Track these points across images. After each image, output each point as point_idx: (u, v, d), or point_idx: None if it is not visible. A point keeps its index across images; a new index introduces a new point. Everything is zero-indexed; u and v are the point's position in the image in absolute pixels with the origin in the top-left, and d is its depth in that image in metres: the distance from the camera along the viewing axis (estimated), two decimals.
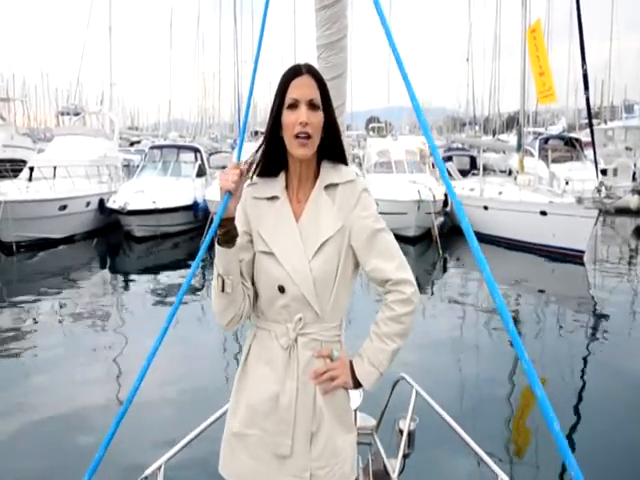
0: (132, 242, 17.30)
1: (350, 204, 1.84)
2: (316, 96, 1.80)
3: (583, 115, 39.94)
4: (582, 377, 7.63)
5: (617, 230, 20.34)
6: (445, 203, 17.74)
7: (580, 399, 6.86)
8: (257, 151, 1.90)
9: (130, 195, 17.60)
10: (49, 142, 23.06)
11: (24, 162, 19.01)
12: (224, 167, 22.67)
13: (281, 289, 1.82)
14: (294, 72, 1.82)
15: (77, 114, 26.45)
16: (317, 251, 1.80)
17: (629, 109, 41.35)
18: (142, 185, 18.58)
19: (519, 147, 19.80)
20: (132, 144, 38.52)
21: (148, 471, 2.22)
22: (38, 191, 16.57)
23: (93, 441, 5.28)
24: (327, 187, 1.86)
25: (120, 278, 14.07)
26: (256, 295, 1.92)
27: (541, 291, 12.37)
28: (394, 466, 2.72)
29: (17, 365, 7.96)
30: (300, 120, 1.76)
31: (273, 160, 1.90)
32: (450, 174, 22.78)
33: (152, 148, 23.18)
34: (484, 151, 22.66)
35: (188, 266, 14.34)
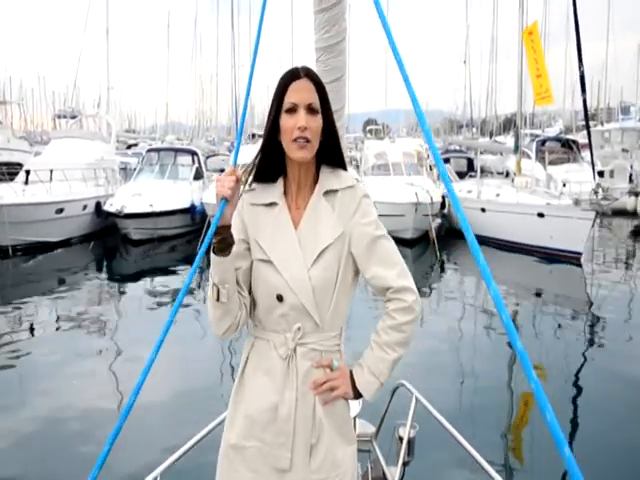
0: (129, 245, 17.24)
1: (350, 210, 1.80)
2: (315, 100, 1.76)
3: (580, 117, 40.07)
4: (579, 377, 7.61)
5: (614, 232, 20.34)
6: (443, 205, 17.74)
7: (578, 400, 6.85)
8: (256, 157, 1.86)
9: (127, 198, 17.55)
10: (46, 145, 23.02)
11: (21, 165, 18.94)
12: (222, 170, 22.66)
13: (279, 298, 1.77)
14: (292, 75, 1.77)
15: (74, 117, 26.38)
16: (316, 259, 1.76)
17: (625, 111, 41.42)
18: (139, 188, 18.54)
19: (516, 149, 19.82)
20: (129, 147, 38.48)
21: None
22: (35, 194, 16.48)
23: (91, 446, 5.26)
24: (326, 193, 1.82)
25: (117, 281, 14.01)
26: (253, 304, 1.87)
27: (539, 292, 12.36)
28: (394, 474, 2.69)
29: (14, 369, 7.90)
30: (299, 125, 1.72)
31: (271, 165, 1.85)
32: None
33: (149, 151, 23.08)
34: (481, 153, 22.68)
35: (185, 269, 14.36)
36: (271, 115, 1.79)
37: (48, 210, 16.51)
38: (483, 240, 16.45)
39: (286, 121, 1.75)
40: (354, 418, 2.68)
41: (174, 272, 14.35)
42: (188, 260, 15.32)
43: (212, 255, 1.73)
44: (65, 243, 17.08)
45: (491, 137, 36.37)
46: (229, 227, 1.74)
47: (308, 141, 1.74)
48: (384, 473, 2.75)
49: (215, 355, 7.79)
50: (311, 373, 1.79)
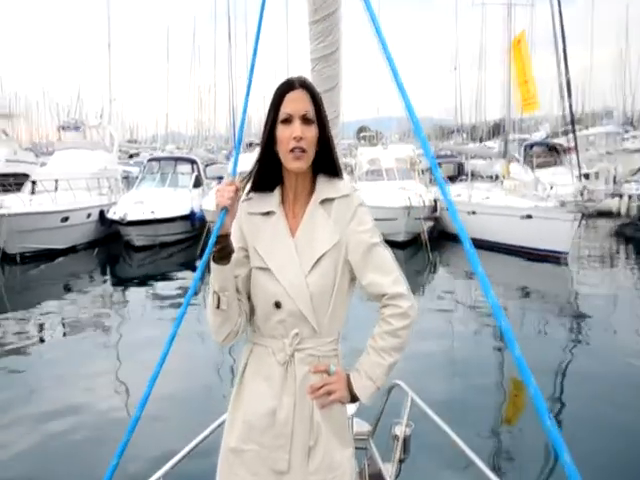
0: (132, 251, 17.20)
1: (346, 218, 1.76)
2: (310, 110, 1.73)
3: (565, 121, 40.13)
4: (566, 369, 7.68)
5: (599, 232, 20.36)
6: (434, 209, 17.75)
7: (564, 392, 6.84)
8: (254, 167, 1.84)
9: (129, 206, 17.54)
10: (51, 156, 22.97)
11: (27, 176, 18.93)
12: (220, 177, 22.69)
13: (277, 305, 1.74)
14: (288, 86, 1.74)
15: (77, 128, 26.37)
16: (313, 266, 1.73)
17: (609, 115, 41.56)
18: (141, 196, 18.52)
19: (505, 153, 19.88)
20: (131, 156, 38.41)
21: None
22: (41, 204, 16.50)
23: (98, 446, 5.23)
24: (323, 202, 1.79)
25: (120, 286, 13.98)
26: (252, 311, 1.84)
27: (527, 291, 12.36)
28: (390, 471, 2.66)
29: (23, 372, 7.86)
30: (294, 135, 1.69)
31: (268, 175, 1.82)
32: None
33: (150, 160, 23.10)
34: (471, 158, 22.71)
35: (185, 274, 14.33)
36: (267, 125, 1.76)
37: (54, 219, 16.49)
38: (473, 242, 16.40)
39: (282, 131, 1.72)
40: (351, 417, 2.66)
41: (175, 276, 14.30)
42: (188, 265, 15.37)
43: (212, 264, 1.70)
44: (70, 250, 17.05)
45: (480, 142, 36.52)
46: (228, 236, 1.72)
47: (304, 151, 1.71)
48: (380, 470, 2.73)
49: (215, 359, 7.73)
50: (309, 378, 1.76)
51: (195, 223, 18.41)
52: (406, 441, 2.71)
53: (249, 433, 1.77)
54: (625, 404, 6.31)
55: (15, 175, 19.55)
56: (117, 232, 17.87)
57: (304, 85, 1.76)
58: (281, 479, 1.74)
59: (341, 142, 2.40)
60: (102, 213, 18.40)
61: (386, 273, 1.75)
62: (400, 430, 2.71)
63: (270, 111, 1.76)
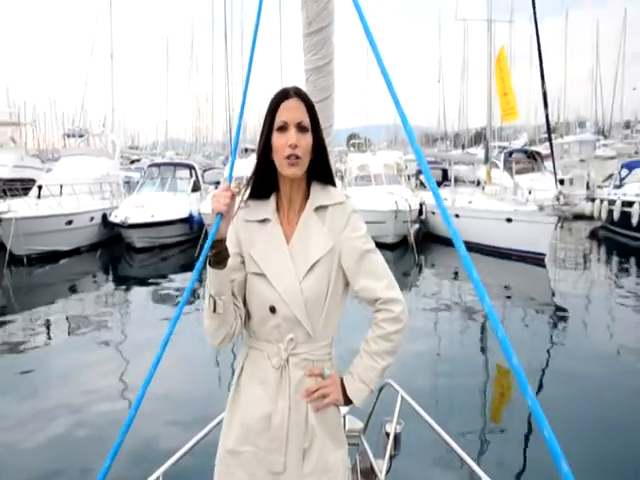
0: (133, 253, 17.11)
1: (340, 225, 1.72)
2: (305, 119, 1.68)
3: (542, 130, 40.37)
4: (546, 362, 7.67)
5: (574, 234, 20.44)
6: (420, 212, 17.75)
7: (544, 384, 6.81)
8: (251, 178, 1.79)
9: (131, 210, 17.47)
10: (56, 162, 22.85)
11: (33, 181, 18.80)
12: (217, 182, 22.64)
13: (272, 310, 1.69)
14: (283, 95, 1.70)
15: (81, 136, 26.28)
16: (308, 272, 1.68)
17: (582, 125, 41.86)
18: (142, 200, 18.44)
19: (486, 160, 19.89)
20: (132, 162, 38.24)
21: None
22: (46, 208, 16.40)
23: (99, 445, 5.14)
24: (317, 209, 1.74)
25: (122, 286, 13.88)
26: (248, 315, 1.79)
27: (507, 289, 12.34)
28: (381, 467, 2.62)
29: (28, 369, 7.75)
30: (290, 143, 1.65)
31: (264, 182, 1.78)
32: (424, 185, 22.80)
33: (150, 166, 22.98)
34: (455, 164, 22.69)
35: (184, 274, 14.28)
36: (263, 134, 1.72)
37: (59, 222, 16.40)
38: None
39: (278, 139, 1.67)
40: (344, 415, 2.61)
41: (174, 276, 14.25)
42: (187, 265, 15.29)
43: (209, 268, 1.65)
44: (74, 252, 16.94)
45: (463, 149, 36.64)
46: (224, 241, 1.66)
47: (298, 158, 1.66)
48: (372, 465, 2.69)
49: (213, 359, 7.61)
50: (303, 382, 1.71)
51: (193, 226, 18.33)
52: (397, 438, 2.67)
53: (246, 435, 1.73)
54: (602, 398, 6.30)
55: (22, 180, 19.43)
56: (119, 234, 17.77)
57: (299, 94, 1.72)
58: None
59: (333, 149, 2.35)
60: (105, 216, 18.29)
61: (379, 278, 1.71)
62: (391, 427, 2.67)
63: (266, 119, 1.71)
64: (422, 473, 4.51)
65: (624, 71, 44.28)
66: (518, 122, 32.45)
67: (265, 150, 1.72)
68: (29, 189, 18.13)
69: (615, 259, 16.76)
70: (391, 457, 2.64)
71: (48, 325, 10.13)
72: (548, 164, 20.87)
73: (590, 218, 21.35)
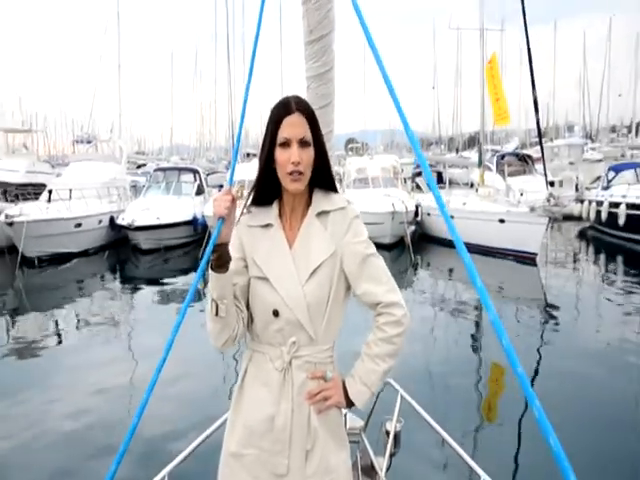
0: (139, 254, 17.07)
1: (342, 230, 1.68)
2: (307, 133, 1.64)
3: (533, 134, 40.38)
4: (538, 357, 7.62)
5: (564, 234, 20.42)
6: (416, 214, 17.71)
7: (536, 379, 6.77)
8: (254, 186, 1.75)
9: (137, 212, 17.44)
10: (66, 167, 22.83)
11: (44, 186, 18.79)
12: (220, 186, 22.58)
13: (275, 313, 1.65)
14: (285, 110, 1.64)
15: (90, 142, 26.27)
16: (310, 276, 1.64)
17: (570, 129, 41.87)
18: (147, 203, 18.39)
19: (480, 163, 19.85)
20: (139, 167, 38.20)
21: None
22: (56, 211, 16.38)
23: (107, 440, 5.11)
24: (319, 214, 1.70)
25: (129, 286, 13.85)
26: (251, 319, 1.74)
27: (500, 287, 12.30)
28: (381, 464, 2.58)
29: (39, 366, 7.72)
30: (292, 160, 1.60)
31: (267, 190, 1.74)
32: (419, 187, 22.77)
33: (156, 170, 22.98)
34: (449, 167, 22.67)
35: (189, 274, 14.27)
36: (265, 147, 1.67)
37: (68, 225, 16.38)
38: (452, 244, 16.37)
39: (280, 154, 1.63)
40: (345, 414, 2.57)
41: (179, 276, 14.23)
42: (191, 266, 15.29)
43: (211, 272, 1.60)
44: (83, 254, 16.89)
45: (457, 153, 36.56)
46: (226, 245, 1.62)
47: (301, 173, 1.63)
48: (372, 463, 2.65)
49: (216, 360, 7.46)
50: (306, 384, 1.67)
51: (197, 228, 18.27)
52: (397, 436, 2.63)
53: (249, 438, 1.68)
54: (593, 392, 6.28)
55: (33, 185, 19.44)
56: (126, 237, 17.72)
57: (300, 108, 1.66)
58: None
59: (332, 154, 2.31)
60: (112, 219, 18.27)
61: (380, 282, 1.67)
62: (391, 426, 2.63)
63: (267, 134, 1.66)
64: (421, 471, 4.46)
65: (610, 78, 44.26)
66: (509, 126, 32.41)
67: (267, 162, 1.68)
68: (40, 193, 18.13)
69: (603, 258, 16.77)
70: (391, 455, 2.60)
71: (58, 324, 10.10)
72: (539, 167, 20.86)
73: (579, 219, 21.33)
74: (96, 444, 5.12)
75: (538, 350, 7.98)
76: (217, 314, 1.62)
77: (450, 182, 20.45)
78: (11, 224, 14.82)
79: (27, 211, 15.39)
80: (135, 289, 13.41)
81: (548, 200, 14.10)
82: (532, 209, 14.39)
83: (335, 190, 1.76)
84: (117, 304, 11.77)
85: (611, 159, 28.50)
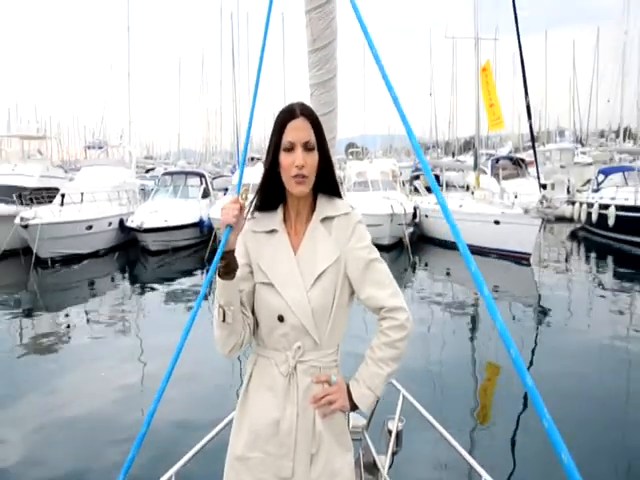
0: (148, 255, 17.04)
1: (346, 236, 1.63)
2: (311, 138, 1.59)
3: (526, 139, 40.31)
4: (531, 353, 7.63)
5: (556, 235, 20.40)
6: (414, 215, 17.66)
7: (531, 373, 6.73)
8: (258, 190, 1.70)
9: (146, 215, 17.39)
10: (78, 172, 22.83)
11: (57, 190, 18.76)
12: (226, 189, 22.55)
13: (280, 319, 1.60)
14: (289, 115, 1.59)
15: (101, 148, 26.28)
16: (315, 281, 1.59)
17: (561, 134, 41.79)
18: (156, 206, 18.36)
19: (475, 166, 19.79)
20: (147, 171, 38.24)
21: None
22: (69, 214, 16.36)
23: (116, 436, 5.06)
24: (323, 220, 1.65)
25: (138, 286, 13.83)
26: (256, 324, 1.69)
27: (496, 286, 12.25)
28: (383, 463, 2.53)
29: (52, 363, 7.71)
30: (296, 163, 1.56)
31: (272, 195, 1.68)
32: (417, 190, 22.71)
33: (164, 174, 22.95)
34: (446, 170, 22.60)
35: (195, 274, 14.26)
36: (270, 151, 1.62)
37: (80, 227, 16.37)
38: (449, 244, 16.44)
39: (285, 158, 1.58)
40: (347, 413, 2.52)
41: (186, 276, 14.20)
42: (197, 266, 15.32)
43: (218, 279, 1.55)
44: (94, 255, 16.87)
45: (453, 157, 36.45)
46: (233, 252, 1.57)
47: (305, 177, 1.58)
48: (374, 460, 2.61)
49: (222, 365, 7.20)
50: (311, 388, 1.62)
51: (204, 230, 18.21)
52: (399, 435, 2.59)
53: (255, 441, 1.63)
54: (585, 384, 6.28)
55: (47, 189, 19.39)
56: (135, 238, 17.70)
57: (305, 113, 1.61)
58: None
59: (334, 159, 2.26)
60: (122, 222, 18.22)
61: (384, 287, 1.62)
62: (393, 425, 2.58)
63: (272, 138, 1.62)
64: (423, 469, 4.40)
65: (598, 85, 44.19)
66: (503, 131, 32.32)
67: (272, 167, 1.63)
68: (53, 197, 18.09)
69: (593, 257, 16.77)
70: (393, 453, 2.56)
71: (70, 322, 10.08)
72: (532, 170, 20.80)
73: (570, 220, 21.29)
74: (107, 443, 5.08)
75: (532, 343, 8.04)
76: (224, 320, 1.58)
77: (447, 185, 20.43)
78: (26, 227, 14.84)
79: (41, 214, 15.41)
80: (144, 289, 13.38)
81: (541, 202, 14.07)
82: (526, 211, 14.35)
83: (339, 195, 1.71)
84: (127, 303, 11.75)
85: (600, 163, 28.45)
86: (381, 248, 15.00)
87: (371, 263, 1.62)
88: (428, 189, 22.68)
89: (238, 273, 1.57)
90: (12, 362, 7.74)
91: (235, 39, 31.64)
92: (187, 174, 22.61)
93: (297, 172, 1.56)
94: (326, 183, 1.68)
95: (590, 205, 19.68)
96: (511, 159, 25.11)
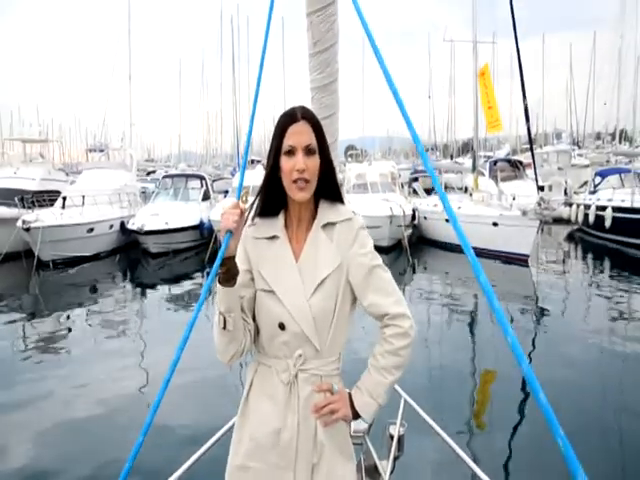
0: (149, 257, 17.00)
1: (348, 242, 1.58)
2: (312, 141, 1.54)
3: (523, 141, 40.32)
4: (529, 358, 7.48)
5: (554, 236, 20.37)
6: (413, 217, 17.62)
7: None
8: (258, 194, 1.65)
9: (146, 218, 17.37)
10: (79, 175, 22.80)
11: (59, 193, 18.72)
12: (226, 191, 22.51)
13: (281, 326, 1.56)
14: (290, 118, 1.55)
15: (102, 151, 26.22)
16: (316, 289, 1.55)
17: (558, 136, 41.76)
18: (156, 209, 18.33)
19: (473, 168, 19.76)
20: (148, 174, 38.17)
21: None
22: (70, 217, 16.32)
23: (116, 441, 5.01)
24: (325, 226, 1.61)
25: (139, 288, 13.79)
26: (257, 331, 1.65)
27: (495, 287, 12.15)
28: (385, 468, 2.49)
29: (53, 365, 7.65)
30: (297, 167, 1.51)
31: (273, 200, 1.64)
32: (416, 192, 22.66)
33: (164, 177, 22.94)
34: (444, 172, 22.56)
35: (196, 276, 14.19)
36: (271, 155, 1.58)
37: (81, 230, 16.33)
38: (448, 246, 16.43)
39: (286, 163, 1.53)
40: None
41: (187, 278, 14.15)
42: (198, 268, 15.28)
43: (218, 286, 1.51)
44: (95, 257, 16.84)
45: (452, 158, 36.40)
46: (233, 258, 1.52)
47: (307, 181, 1.53)
48: (376, 465, 2.57)
49: (223, 371, 7.08)
50: (312, 397, 1.57)
51: (204, 232, 18.18)
52: (400, 440, 2.55)
53: (255, 451, 1.58)
54: (582, 386, 6.25)
55: (49, 192, 19.35)
56: (136, 241, 17.67)
57: (306, 116, 1.57)
58: None
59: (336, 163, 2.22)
60: (123, 224, 18.18)
61: (387, 294, 1.57)
62: (395, 430, 2.54)
63: (273, 142, 1.57)
64: (425, 474, 4.35)
65: (595, 88, 44.21)
66: (501, 133, 32.32)
67: (273, 171, 1.59)
68: (55, 200, 18.05)
69: (590, 259, 16.75)
70: (395, 458, 2.52)
71: (72, 324, 10.04)
72: (529, 172, 20.78)
73: (568, 221, 21.29)
74: (106, 447, 5.02)
75: (530, 341, 8.04)
76: (225, 327, 1.53)
77: (445, 187, 20.38)
78: (28, 229, 14.81)
79: (43, 217, 15.39)
80: (145, 291, 13.35)
81: (539, 204, 14.03)
82: (524, 213, 14.32)
83: (341, 200, 1.66)
84: (128, 305, 11.70)
85: (597, 165, 28.44)
86: (380, 250, 14.79)
87: (374, 270, 1.58)
88: (427, 191, 22.65)
89: (239, 279, 1.53)
90: (14, 364, 7.69)
91: (235, 43, 31.71)
92: (188, 177, 22.60)
93: (298, 176, 1.52)
94: (328, 188, 1.63)
95: (587, 207, 19.67)
96: (509, 161, 25.08)
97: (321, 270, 1.56)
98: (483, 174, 20.72)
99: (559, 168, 29.16)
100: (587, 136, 48.87)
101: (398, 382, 2.57)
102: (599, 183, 20.68)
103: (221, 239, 1.51)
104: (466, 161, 26.55)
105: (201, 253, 16.68)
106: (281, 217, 1.65)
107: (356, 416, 1.59)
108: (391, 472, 2.47)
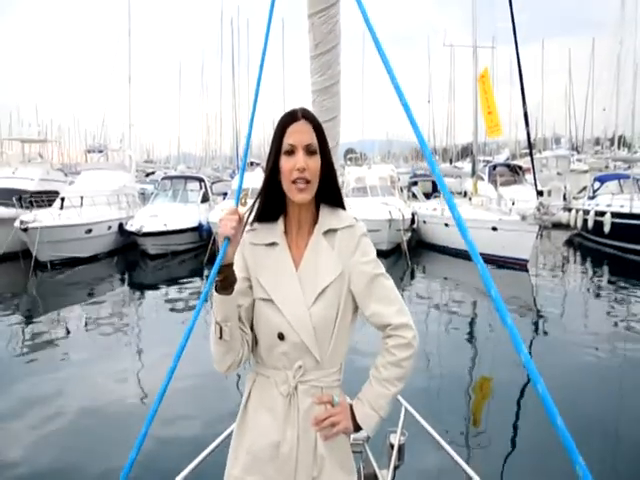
0: (147, 259, 16.93)
1: (349, 249, 1.53)
2: (313, 141, 1.49)
3: (522, 146, 40.34)
4: (530, 348, 7.71)
5: (553, 241, 20.35)
6: (412, 221, 17.59)
7: (528, 384, 6.65)
8: (257, 198, 1.60)
9: (145, 219, 17.32)
10: (78, 175, 22.76)
11: (57, 193, 18.68)
12: (225, 193, 22.47)
13: (281, 336, 1.50)
14: (291, 118, 1.50)
15: (101, 151, 26.20)
16: (317, 298, 1.49)
17: (557, 141, 41.81)
18: (155, 210, 18.27)
19: (473, 173, 19.75)
20: (147, 175, 38.13)
21: None
22: (68, 218, 16.27)
23: (115, 436, 4.96)
24: (326, 232, 1.55)
25: (137, 290, 13.73)
26: (255, 341, 1.59)
27: None
28: (385, 477, 2.44)
29: (51, 366, 7.59)
30: (297, 166, 1.45)
31: (272, 205, 1.58)
32: (416, 196, 22.64)
33: (163, 179, 22.93)
34: (443, 176, 22.52)
35: (194, 279, 14.15)
36: (271, 157, 1.52)
37: (79, 231, 16.26)
38: (447, 250, 16.39)
39: (286, 162, 1.48)
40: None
41: (185, 280, 14.08)
42: (197, 270, 15.24)
43: (215, 294, 1.45)
44: (93, 258, 16.78)
45: (451, 163, 36.47)
46: (231, 265, 1.46)
47: (308, 182, 1.47)
48: (375, 474, 2.52)
49: (220, 379, 6.98)
50: (312, 409, 1.51)
51: (203, 234, 18.12)
52: (401, 449, 2.50)
53: (253, 464, 1.53)
54: (581, 389, 6.23)
55: (47, 192, 19.31)
56: (134, 242, 17.59)
57: (307, 116, 1.52)
58: None
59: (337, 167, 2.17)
60: (121, 225, 18.13)
61: (389, 303, 1.51)
62: (395, 438, 2.49)
63: (273, 143, 1.51)
64: None
65: (594, 93, 44.30)
66: (501, 138, 32.32)
67: (273, 173, 1.53)
68: (53, 200, 18.00)
69: (589, 264, 16.75)
70: (395, 468, 2.47)
71: (69, 326, 9.96)
72: (529, 177, 20.78)
73: (567, 227, 21.28)
74: (104, 451, 4.97)
75: (530, 347, 7.99)
76: (221, 337, 1.47)
77: None
78: (26, 230, 14.74)
79: (41, 218, 15.33)
80: (143, 292, 13.30)
81: (538, 209, 14.00)
82: (523, 217, 14.30)
83: (342, 206, 1.61)
84: (126, 307, 11.66)
85: (596, 170, 28.44)
86: (379, 253, 14.82)
87: (376, 278, 1.52)
88: (426, 195, 22.62)
89: (237, 287, 1.47)
90: (11, 365, 7.64)
91: (235, 44, 31.74)
92: (186, 178, 22.59)
93: (298, 175, 1.46)
94: (329, 191, 1.58)
95: (586, 212, 19.66)
96: (508, 166, 25.10)
97: (322, 278, 1.51)
98: (482, 179, 20.71)
99: (558, 173, 29.20)
100: (586, 141, 48.96)
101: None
102: (598, 188, 20.69)
103: (220, 243, 1.46)
104: (465, 165, 26.59)
105: (200, 255, 16.64)
106: (280, 223, 1.59)
107: (357, 428, 1.54)
108: None
